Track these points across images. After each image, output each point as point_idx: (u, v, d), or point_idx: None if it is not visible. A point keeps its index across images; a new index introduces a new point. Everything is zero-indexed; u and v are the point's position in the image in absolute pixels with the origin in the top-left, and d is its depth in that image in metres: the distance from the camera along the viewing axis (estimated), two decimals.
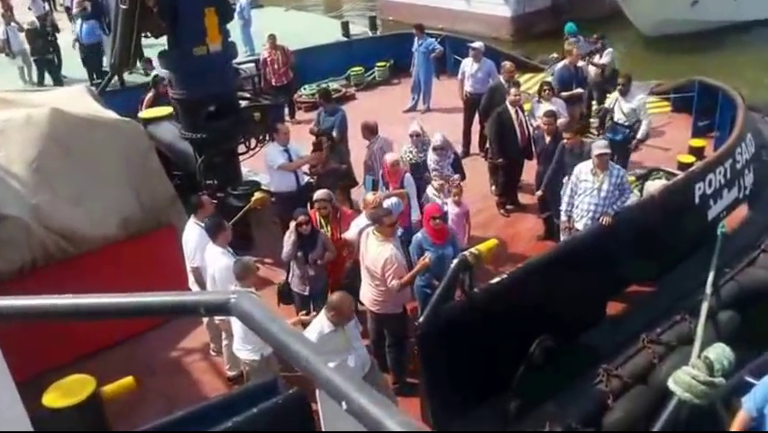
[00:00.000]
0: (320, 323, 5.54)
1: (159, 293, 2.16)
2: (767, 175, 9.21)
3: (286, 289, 7.30)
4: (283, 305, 7.31)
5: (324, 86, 13.63)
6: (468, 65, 11.72)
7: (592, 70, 11.73)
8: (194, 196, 7.39)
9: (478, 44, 12.09)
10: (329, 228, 7.24)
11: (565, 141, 8.23)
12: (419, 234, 6.86)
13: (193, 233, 6.87)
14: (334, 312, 5.47)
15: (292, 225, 6.80)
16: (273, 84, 13.51)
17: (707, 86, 11.22)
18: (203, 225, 6.81)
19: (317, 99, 10.80)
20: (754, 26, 22.24)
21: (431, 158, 8.61)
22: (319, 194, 7.40)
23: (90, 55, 16.41)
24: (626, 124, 9.60)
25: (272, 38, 13.87)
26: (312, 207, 7.45)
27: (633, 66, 14.93)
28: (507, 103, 9.43)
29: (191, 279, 7.01)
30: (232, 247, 7.38)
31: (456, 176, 8.41)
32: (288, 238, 6.88)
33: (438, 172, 8.51)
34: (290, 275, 7.14)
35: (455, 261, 5.97)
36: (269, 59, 13.60)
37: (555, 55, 11.86)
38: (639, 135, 9.54)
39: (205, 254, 6.67)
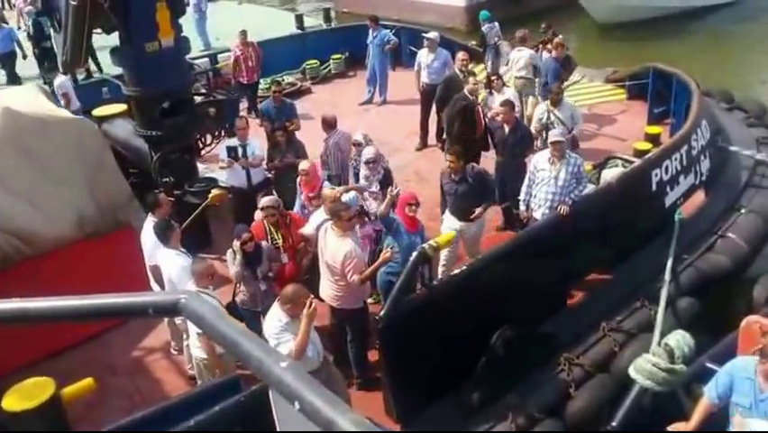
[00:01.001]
0: (276, 315, 5.53)
1: (108, 295, 2.14)
2: (722, 161, 9.38)
3: (231, 308, 6.87)
4: None
5: (277, 79, 13.42)
6: (423, 56, 11.71)
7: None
8: (151, 194, 7.27)
9: (433, 35, 12.08)
10: (279, 236, 7.01)
11: None
12: (396, 218, 6.89)
13: (151, 231, 6.75)
14: (290, 305, 5.43)
15: (235, 244, 6.57)
16: (245, 82, 13.28)
17: (661, 72, 11.36)
18: None
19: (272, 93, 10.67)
20: (706, 12, 22.68)
21: (361, 172, 8.27)
22: (265, 201, 7.19)
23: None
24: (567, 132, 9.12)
25: (243, 34, 13.49)
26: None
27: (588, 53, 15.10)
28: (466, 92, 9.42)
29: (151, 278, 6.89)
30: (190, 245, 7.28)
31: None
32: (233, 259, 6.64)
33: (368, 187, 8.07)
34: (237, 294, 6.85)
35: (414, 253, 5.97)
36: (241, 56, 13.23)
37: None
38: (575, 132, 9.54)
39: (158, 256, 6.59)
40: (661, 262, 7.28)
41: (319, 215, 7.10)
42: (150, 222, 6.94)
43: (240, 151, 8.58)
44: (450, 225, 7.60)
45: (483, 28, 14.20)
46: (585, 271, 7.45)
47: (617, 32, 20.72)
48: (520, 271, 6.59)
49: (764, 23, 22.35)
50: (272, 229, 7.00)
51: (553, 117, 9.24)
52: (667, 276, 7.08)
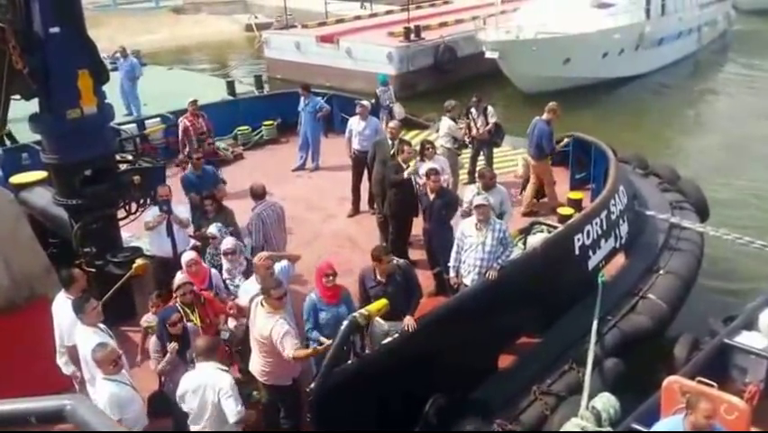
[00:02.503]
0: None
1: None
2: (640, 224, 9.75)
3: (159, 398, 6.56)
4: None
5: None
6: (355, 123, 11.87)
7: (477, 128, 11.98)
8: (64, 269, 6.92)
9: (365, 102, 12.29)
10: (196, 315, 6.66)
11: None
12: (312, 295, 6.66)
13: (66, 309, 6.41)
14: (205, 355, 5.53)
15: (153, 339, 6.28)
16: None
17: (581, 140, 11.84)
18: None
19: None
20: (617, 84, 24.04)
21: (224, 266, 7.74)
22: (180, 279, 6.78)
23: None
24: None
25: (194, 103, 12.78)
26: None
27: (512, 121, 15.57)
28: (400, 160, 9.51)
29: (63, 359, 6.56)
30: (114, 317, 6.97)
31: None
32: (156, 347, 6.34)
33: (230, 281, 7.63)
34: (163, 383, 6.51)
35: (345, 322, 5.89)
36: (191, 128, 12.55)
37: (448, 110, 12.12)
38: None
39: (74, 335, 6.25)
40: (587, 324, 7.45)
41: (251, 285, 6.95)
42: (63, 298, 6.59)
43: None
44: (379, 328, 6.82)
45: (378, 90, 15.11)
46: (515, 334, 7.54)
47: (539, 101, 21.52)
48: (451, 337, 6.60)
49: (670, 95, 23.92)
50: (187, 310, 6.64)
51: (485, 197, 8.73)
52: (593, 338, 7.24)
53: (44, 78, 7.40)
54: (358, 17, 32.00)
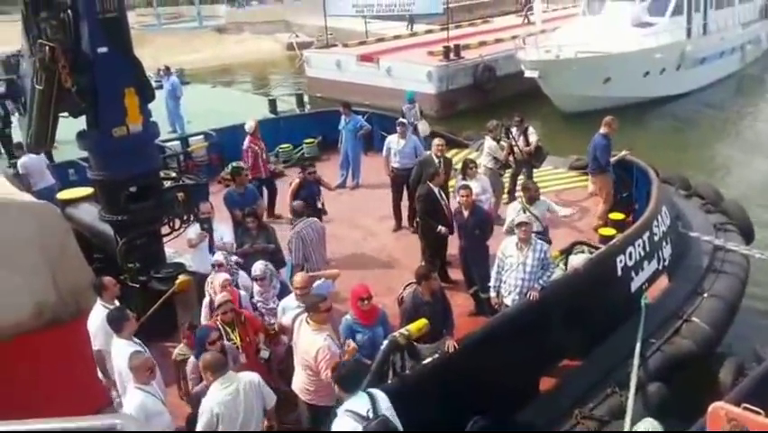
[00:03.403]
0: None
1: (36, 422, 1.94)
2: (684, 246, 9.57)
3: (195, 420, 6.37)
4: None
5: (238, 165, 13.27)
6: (394, 141, 11.93)
7: (520, 147, 11.93)
8: (97, 278, 7.08)
9: (404, 121, 12.38)
10: (236, 335, 6.71)
11: None
12: (348, 317, 6.66)
13: (98, 314, 6.62)
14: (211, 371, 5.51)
15: (191, 362, 6.29)
16: (263, 177, 12.31)
17: (622, 161, 11.68)
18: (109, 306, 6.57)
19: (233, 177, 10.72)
20: (661, 103, 23.71)
21: (255, 289, 7.78)
22: (221, 298, 6.81)
23: None
24: (541, 230, 8.73)
25: (256, 126, 12.55)
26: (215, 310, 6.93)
27: (553, 141, 15.49)
28: (433, 186, 9.50)
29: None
30: (155, 332, 7.07)
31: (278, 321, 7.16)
32: (194, 369, 6.32)
33: (263, 305, 7.65)
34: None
35: (385, 342, 5.88)
36: (258, 149, 12.31)
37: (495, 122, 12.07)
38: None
39: (110, 348, 6.36)
40: (629, 347, 7.32)
41: (290, 302, 6.98)
42: (98, 306, 6.76)
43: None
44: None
45: (404, 107, 15.30)
46: (557, 357, 7.43)
47: (579, 121, 21.41)
48: (492, 358, 6.54)
49: (713, 114, 23.48)
50: (228, 329, 6.69)
51: (528, 216, 8.53)
52: (636, 361, 7.11)
53: (92, 96, 7.57)
54: (398, 36, 32.23)
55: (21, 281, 7.10)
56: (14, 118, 16.61)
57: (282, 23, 45.32)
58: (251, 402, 5.56)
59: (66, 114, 7.90)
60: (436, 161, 10.65)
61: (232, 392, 5.49)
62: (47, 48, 7.13)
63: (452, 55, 25.13)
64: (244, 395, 5.52)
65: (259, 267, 7.66)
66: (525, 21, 33.26)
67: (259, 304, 7.65)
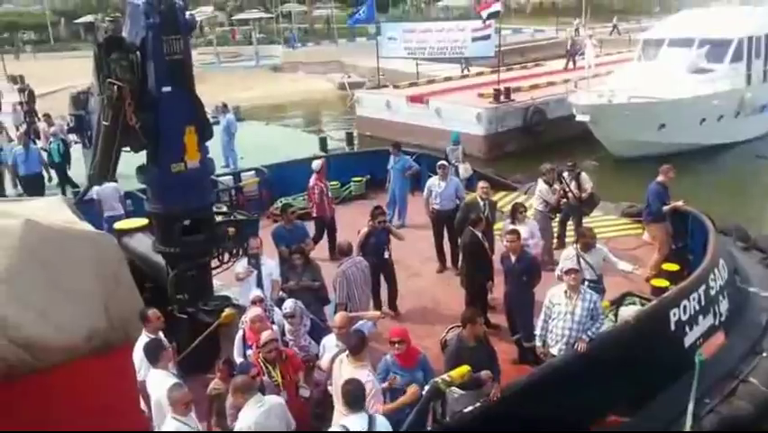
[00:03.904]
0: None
1: None
2: (741, 301, 9.26)
3: None
4: None
5: (287, 202, 13.37)
6: (435, 183, 11.97)
7: (573, 193, 11.82)
8: (142, 310, 7.22)
9: (446, 163, 12.57)
10: (277, 372, 6.75)
11: None
12: (388, 358, 6.63)
13: (141, 345, 6.71)
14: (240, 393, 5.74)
15: (230, 399, 6.24)
16: (328, 216, 12.39)
17: (677, 210, 11.44)
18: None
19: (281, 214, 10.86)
20: (720, 150, 23.19)
21: (286, 327, 7.99)
22: (268, 335, 6.90)
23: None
24: (595, 278, 8.63)
25: (324, 165, 12.62)
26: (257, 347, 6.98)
27: (601, 186, 15.28)
28: (477, 231, 9.46)
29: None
30: (199, 365, 7.13)
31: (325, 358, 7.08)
32: (233, 408, 6.23)
33: (294, 343, 7.82)
34: None
35: (426, 387, 5.81)
36: (324, 187, 12.38)
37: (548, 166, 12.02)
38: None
39: (147, 376, 6.46)
40: (681, 406, 7.08)
41: (332, 342, 6.98)
42: (143, 336, 6.87)
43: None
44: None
45: (447, 148, 15.60)
46: (603, 412, 7.20)
47: (632, 166, 21.12)
48: (536, 409, 6.39)
49: None
50: (269, 367, 6.75)
51: (582, 263, 8.42)
52: (688, 421, 6.87)
53: (155, 133, 7.79)
54: (449, 78, 32.49)
55: (74, 307, 7.28)
56: (73, 150, 17.32)
57: (336, 63, 46.20)
58: (279, 422, 5.81)
59: (128, 148, 8.16)
60: (481, 203, 10.62)
61: (265, 411, 5.71)
62: (115, 86, 7.40)
63: (502, 97, 25.19)
64: (274, 415, 5.78)
65: (289, 304, 7.81)
66: (570, 65, 33.21)
67: (290, 342, 7.72)
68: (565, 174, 11.84)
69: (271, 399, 5.94)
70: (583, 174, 11.97)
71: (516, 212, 10.10)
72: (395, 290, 10.15)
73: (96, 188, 12.32)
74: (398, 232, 10.66)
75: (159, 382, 6.25)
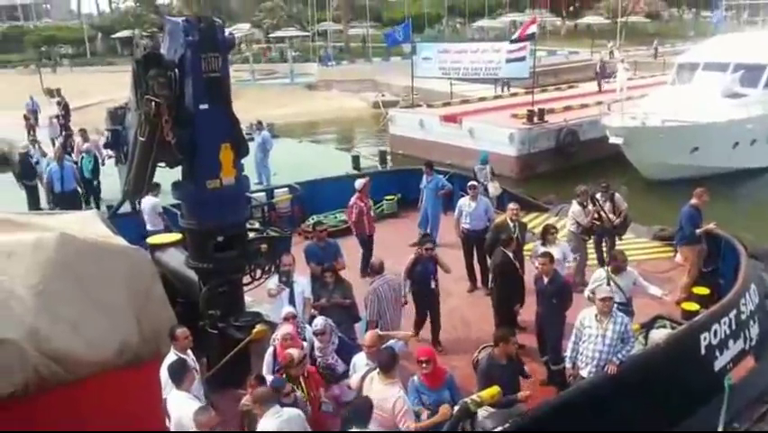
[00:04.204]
0: None
1: None
2: None
3: None
4: None
5: (319, 219, 13.57)
6: (465, 203, 12.03)
7: (606, 214, 11.78)
8: (170, 328, 7.32)
9: (476, 183, 12.69)
10: (302, 388, 6.83)
11: None
12: (415, 378, 6.69)
13: (164, 364, 6.82)
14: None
15: (265, 422, 6.12)
16: (367, 234, 12.42)
17: (709, 233, 11.33)
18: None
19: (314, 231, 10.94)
20: (752, 174, 22.90)
21: (315, 344, 7.97)
22: (301, 354, 6.99)
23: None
24: (625, 301, 8.56)
25: (366, 184, 12.60)
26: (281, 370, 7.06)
27: (635, 209, 15.17)
28: (508, 251, 9.51)
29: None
30: (230, 380, 7.19)
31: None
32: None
33: (322, 360, 7.84)
34: None
35: (456, 408, 5.85)
36: (365, 207, 12.43)
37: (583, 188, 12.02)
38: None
39: (168, 397, 6.50)
40: (711, 430, 7.00)
41: (362, 361, 7.05)
42: (173, 355, 6.94)
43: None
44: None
45: (475, 167, 15.82)
46: None
47: (664, 189, 20.92)
48: (563, 431, 6.38)
49: None
50: (292, 383, 6.79)
51: (612, 286, 8.39)
52: None
53: (191, 149, 7.89)
54: (483, 98, 32.59)
55: (107, 321, 7.41)
56: (103, 168, 17.61)
57: (370, 81, 46.58)
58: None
59: (163, 164, 8.33)
60: (511, 225, 10.65)
61: (284, 422, 5.78)
62: (153, 103, 7.51)
63: (535, 118, 25.21)
64: (295, 425, 5.87)
65: (320, 322, 7.83)
66: (599, 88, 33.13)
67: (318, 359, 7.78)
68: (598, 195, 11.82)
69: (290, 410, 5.99)
70: (617, 195, 11.93)
71: (547, 233, 10.11)
72: (438, 324, 9.85)
73: (144, 201, 12.58)
74: (445, 263, 10.17)
75: (180, 405, 6.28)
